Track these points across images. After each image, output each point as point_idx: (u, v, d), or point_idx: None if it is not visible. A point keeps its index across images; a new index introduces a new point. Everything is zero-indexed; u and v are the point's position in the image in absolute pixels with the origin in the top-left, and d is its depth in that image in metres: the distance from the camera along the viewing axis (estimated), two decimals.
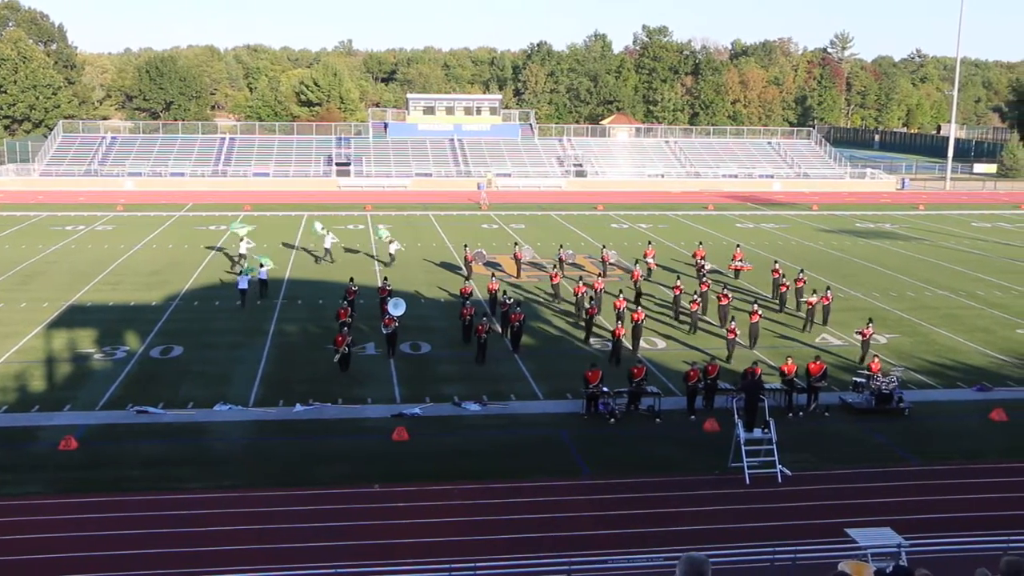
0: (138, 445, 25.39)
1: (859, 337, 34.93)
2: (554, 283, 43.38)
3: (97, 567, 18.95)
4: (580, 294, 39.61)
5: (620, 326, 34.69)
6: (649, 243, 53.23)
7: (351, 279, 41.26)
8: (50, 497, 22.06)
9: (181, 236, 61.65)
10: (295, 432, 26.66)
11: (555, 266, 47.80)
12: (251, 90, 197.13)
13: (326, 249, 52.84)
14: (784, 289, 41.94)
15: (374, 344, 35.56)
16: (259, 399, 29.35)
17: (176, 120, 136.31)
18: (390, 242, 52.46)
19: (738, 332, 35.32)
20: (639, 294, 42.76)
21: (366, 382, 31.22)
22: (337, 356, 32.30)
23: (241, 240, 52.51)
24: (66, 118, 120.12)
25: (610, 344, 34.58)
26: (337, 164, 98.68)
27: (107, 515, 21.18)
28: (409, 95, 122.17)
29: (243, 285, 42.17)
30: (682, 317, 39.41)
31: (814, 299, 38.99)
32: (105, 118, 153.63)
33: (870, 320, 35.94)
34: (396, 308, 35.30)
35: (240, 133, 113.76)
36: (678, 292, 40.39)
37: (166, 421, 27.28)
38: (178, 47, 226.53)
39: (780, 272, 43.59)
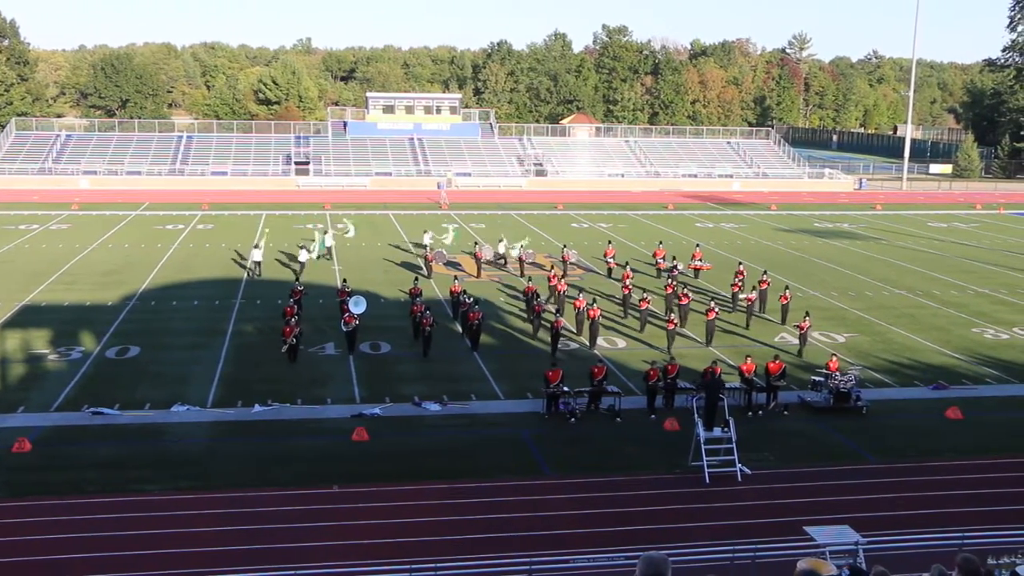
0: (94, 447, 25.09)
1: (796, 331, 35.57)
2: (551, 285, 42.72)
3: (53, 572, 18.69)
4: (530, 294, 39.65)
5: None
6: (609, 243, 53.43)
7: (296, 279, 40.99)
8: (3, 500, 21.72)
9: (137, 235, 61.00)
10: (254, 433, 26.48)
11: (553, 267, 47.31)
12: (209, 88, 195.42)
13: (328, 248, 52.75)
14: (736, 289, 42.39)
15: (333, 344, 35.41)
16: (217, 400, 29.12)
17: (132, 118, 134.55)
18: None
19: (677, 323, 35.93)
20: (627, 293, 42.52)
21: (326, 382, 31.07)
22: (285, 347, 32.77)
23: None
24: (19, 115, 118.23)
25: (572, 343, 34.56)
26: (296, 163, 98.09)
27: (62, 518, 20.89)
28: (368, 94, 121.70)
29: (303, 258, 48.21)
30: (631, 314, 39.71)
31: (754, 295, 40.03)
32: (59, 116, 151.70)
33: (807, 313, 36.42)
34: (357, 306, 35.18)
35: (197, 132, 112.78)
36: (627, 291, 40.68)
37: (122, 423, 26.97)
38: (134, 44, 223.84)
39: (744, 273, 44.08)
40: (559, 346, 35.04)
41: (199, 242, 59.09)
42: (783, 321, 39.65)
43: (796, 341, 35.96)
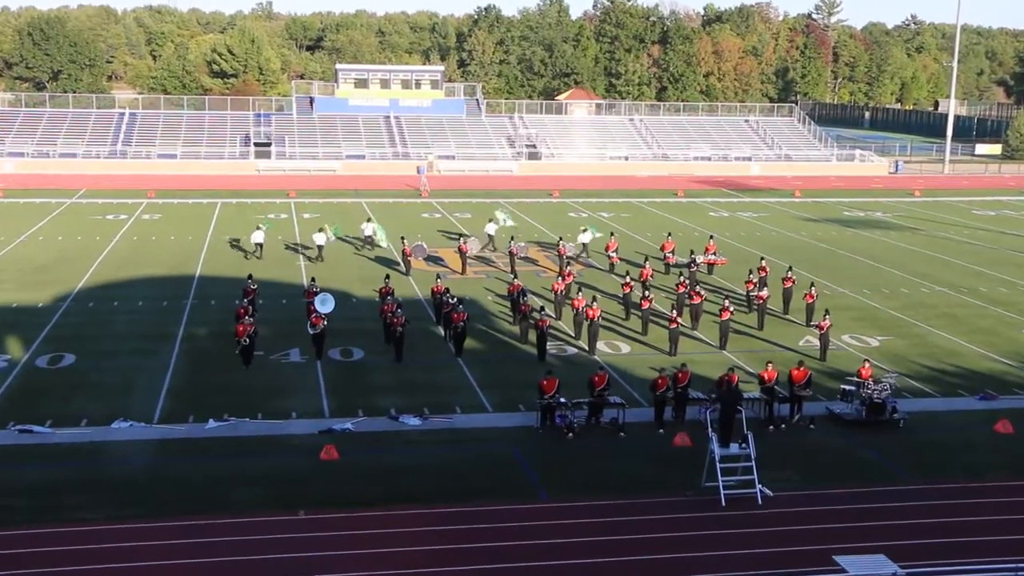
0: (21, 470, 24.94)
1: (816, 331, 35.88)
2: (567, 284, 42.61)
3: None
4: (516, 292, 39.60)
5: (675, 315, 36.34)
6: (611, 235, 53.45)
7: (249, 276, 40.91)
8: None
9: (73, 227, 60.80)
10: (207, 452, 26.39)
11: (578, 265, 47.22)
12: (155, 58, 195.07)
13: (319, 246, 52.54)
14: (751, 287, 42.30)
15: (299, 350, 35.33)
16: (165, 414, 29.00)
17: (66, 92, 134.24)
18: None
19: (680, 322, 36.06)
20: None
21: (290, 393, 31.00)
22: (238, 348, 32.94)
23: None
24: None
25: (569, 349, 34.60)
26: (255, 144, 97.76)
27: None
28: (338, 66, 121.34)
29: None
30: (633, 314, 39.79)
31: (766, 292, 40.26)
32: None
33: (827, 311, 36.54)
34: (324, 305, 35.14)
35: (142, 108, 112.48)
36: (628, 289, 40.69)
37: (55, 442, 26.85)
38: (67, 7, 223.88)
39: (767, 270, 44.12)
40: (549, 349, 35.07)
41: (144, 234, 58.92)
42: (808, 322, 39.71)
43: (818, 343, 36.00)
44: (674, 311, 37.35)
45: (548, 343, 35.76)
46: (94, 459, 25.80)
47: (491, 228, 55.42)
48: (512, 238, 51.40)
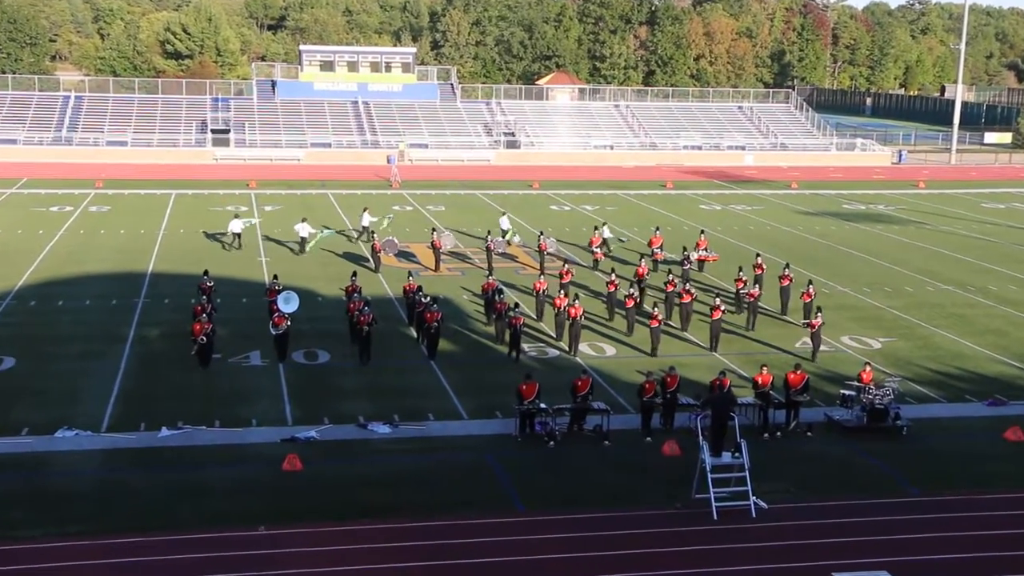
0: None
1: (808, 329, 36.24)
2: (563, 283, 42.48)
3: None
4: (491, 291, 39.52)
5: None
6: (595, 229, 53.48)
7: (205, 272, 40.77)
8: None
9: (13, 219, 60.46)
10: (160, 463, 26.26)
11: (566, 262, 47.16)
12: (103, 37, 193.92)
13: (302, 238, 52.77)
14: (740, 285, 42.30)
15: (260, 352, 35.23)
16: (114, 422, 28.85)
17: (4, 73, 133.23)
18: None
19: (662, 319, 36.30)
20: (642, 292, 42.34)
21: (250, 399, 30.92)
22: (195, 348, 32.96)
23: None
24: None
25: (550, 351, 34.60)
26: (213, 131, 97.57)
27: None
28: (302, 47, 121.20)
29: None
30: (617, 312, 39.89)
31: (756, 290, 40.40)
32: None
33: (818, 309, 36.74)
34: (287, 303, 35.05)
35: (89, 91, 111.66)
36: (613, 288, 40.67)
37: None
38: None
39: (763, 267, 44.23)
40: (528, 350, 35.08)
41: (92, 228, 58.66)
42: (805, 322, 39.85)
43: (823, 347, 36.10)
44: (656, 308, 37.40)
45: (528, 345, 35.70)
46: (36, 471, 25.61)
47: (504, 222, 55.51)
48: (489, 232, 51.35)
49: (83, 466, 25.98)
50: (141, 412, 29.56)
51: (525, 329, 36.80)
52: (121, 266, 48.67)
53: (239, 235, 53.12)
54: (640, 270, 43.72)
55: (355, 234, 56.77)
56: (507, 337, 35.97)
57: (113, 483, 25.02)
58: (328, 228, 55.28)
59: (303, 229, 52.80)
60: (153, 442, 27.54)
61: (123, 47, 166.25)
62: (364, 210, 57.54)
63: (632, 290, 39.64)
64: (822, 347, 36.16)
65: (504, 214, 57.58)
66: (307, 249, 52.60)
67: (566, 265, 44.30)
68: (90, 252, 51.65)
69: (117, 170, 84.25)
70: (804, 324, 37.96)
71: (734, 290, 42.68)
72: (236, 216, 54.87)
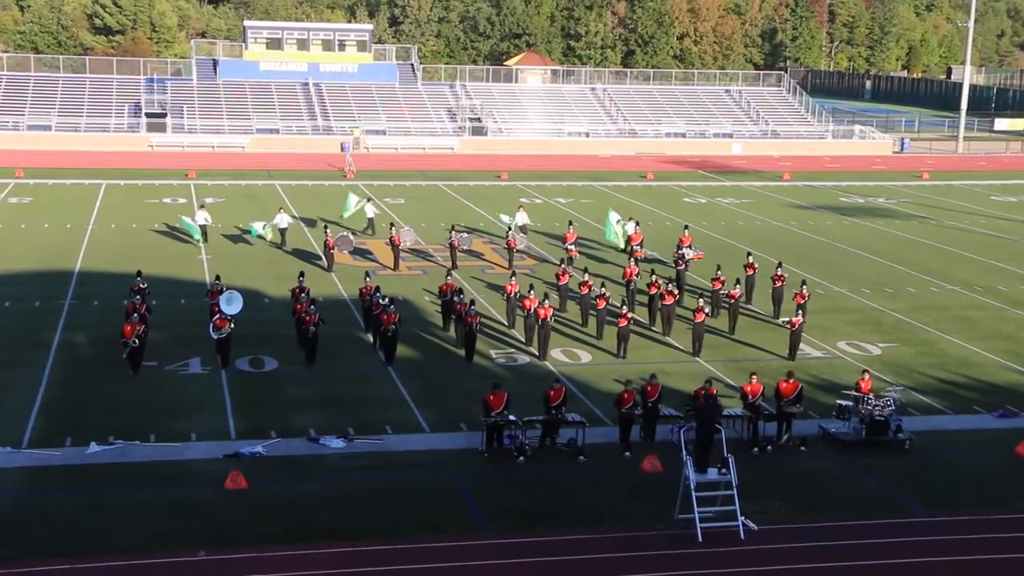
0: None
1: (787, 328, 36.82)
2: (560, 284, 42.83)
3: None
4: (450, 292, 39.48)
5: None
6: (570, 224, 53.55)
7: (138, 272, 40.51)
8: None
9: None
10: (88, 482, 26.13)
11: (563, 261, 47.15)
12: (22, 9, 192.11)
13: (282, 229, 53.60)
14: (718, 285, 42.41)
15: (200, 360, 35.11)
16: (37, 437, 28.67)
17: None
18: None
19: (631, 318, 36.57)
20: (631, 295, 42.30)
21: (189, 411, 30.81)
22: (125, 352, 33.06)
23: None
24: None
25: (521, 357, 34.68)
26: (148, 115, 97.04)
27: None
28: (247, 23, 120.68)
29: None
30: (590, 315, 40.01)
31: (737, 290, 40.48)
32: None
33: (799, 307, 37.06)
34: (230, 305, 34.96)
35: (7, 69, 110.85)
36: (587, 289, 40.65)
37: None
38: None
39: (755, 267, 44.30)
40: (496, 357, 35.14)
41: (11, 221, 58.35)
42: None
43: (818, 353, 36.31)
44: (624, 307, 37.41)
45: (496, 352, 35.74)
46: None
47: (522, 217, 55.71)
48: (453, 227, 51.31)
49: (2, 486, 25.76)
50: (67, 426, 29.39)
51: (492, 332, 36.83)
52: (45, 264, 48.40)
53: (204, 227, 53.67)
54: (628, 271, 43.49)
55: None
56: (462, 336, 36.17)
57: (36, 504, 24.86)
58: (359, 199, 58.25)
59: (283, 220, 53.42)
60: (81, 459, 27.37)
61: (46, 21, 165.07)
62: (368, 200, 58.75)
63: (604, 290, 39.64)
64: (819, 355, 36.31)
65: (520, 208, 57.13)
66: (344, 216, 56.53)
67: (563, 265, 44.45)
68: (10, 249, 51.29)
69: (40, 158, 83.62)
70: (785, 322, 38.33)
71: (711, 291, 42.46)
72: (202, 207, 55.72)
